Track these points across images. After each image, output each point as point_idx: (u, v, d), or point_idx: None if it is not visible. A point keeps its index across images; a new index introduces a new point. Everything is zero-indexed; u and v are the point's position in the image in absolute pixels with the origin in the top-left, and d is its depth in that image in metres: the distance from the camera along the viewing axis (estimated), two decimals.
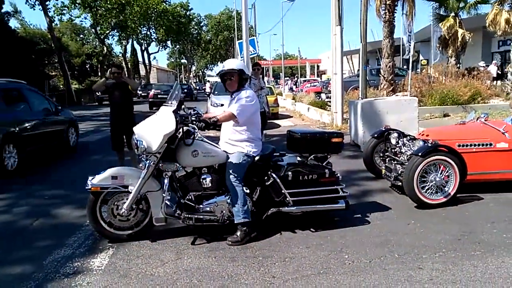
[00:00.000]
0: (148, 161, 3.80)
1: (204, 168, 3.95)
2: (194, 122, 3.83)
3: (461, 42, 17.17)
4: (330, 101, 14.47)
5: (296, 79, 43.70)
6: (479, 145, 5.04)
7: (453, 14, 17.46)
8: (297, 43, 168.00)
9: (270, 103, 16.28)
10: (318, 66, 57.88)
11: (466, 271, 3.18)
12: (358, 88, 13.53)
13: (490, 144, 5.03)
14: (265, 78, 49.14)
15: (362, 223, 4.30)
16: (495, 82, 17.64)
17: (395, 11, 14.83)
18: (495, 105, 13.15)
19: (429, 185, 4.67)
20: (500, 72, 19.52)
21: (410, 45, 12.88)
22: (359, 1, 12.45)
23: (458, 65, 17.50)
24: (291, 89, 35.96)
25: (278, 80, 52.61)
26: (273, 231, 4.05)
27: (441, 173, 4.67)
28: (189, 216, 3.88)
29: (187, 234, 4.03)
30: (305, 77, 48.81)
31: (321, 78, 40.05)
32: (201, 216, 3.90)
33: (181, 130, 3.87)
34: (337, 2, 12.01)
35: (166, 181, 3.81)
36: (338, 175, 4.30)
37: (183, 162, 3.90)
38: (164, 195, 3.78)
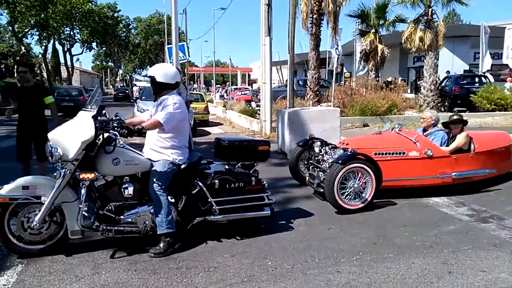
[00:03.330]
0: (63, 170, 3.56)
1: (126, 177, 3.79)
2: (116, 128, 3.66)
3: (380, 56, 18.45)
4: (260, 110, 14.71)
5: (227, 87, 43.88)
6: (393, 153, 5.40)
7: (373, 30, 18.73)
8: (229, 51, 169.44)
9: (200, 110, 16.24)
10: (249, 75, 58.74)
11: (380, 273, 3.37)
12: (286, 97, 13.93)
13: (403, 153, 5.42)
14: (195, 85, 48.78)
15: (286, 229, 4.40)
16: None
17: (321, 25, 15.56)
18: (409, 117, 14.24)
19: (348, 191, 4.90)
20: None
21: (338, 58, 13.54)
22: (287, 13, 12.87)
23: (377, 78, 18.74)
24: (222, 96, 36.04)
25: (209, 87, 52.50)
26: (198, 241, 3.99)
27: (359, 180, 4.93)
28: (109, 228, 3.68)
29: (106, 247, 3.83)
30: (236, 85, 49.23)
31: (251, 87, 40.67)
32: (122, 228, 3.73)
33: (101, 136, 3.68)
34: (266, 13, 12.30)
35: (83, 190, 3.58)
36: (264, 182, 4.37)
37: (103, 170, 3.71)
38: (80, 206, 3.55)
